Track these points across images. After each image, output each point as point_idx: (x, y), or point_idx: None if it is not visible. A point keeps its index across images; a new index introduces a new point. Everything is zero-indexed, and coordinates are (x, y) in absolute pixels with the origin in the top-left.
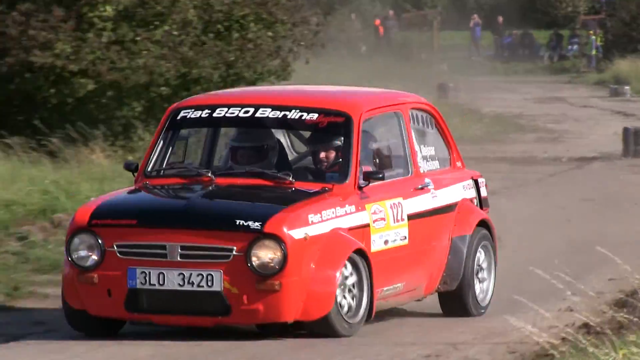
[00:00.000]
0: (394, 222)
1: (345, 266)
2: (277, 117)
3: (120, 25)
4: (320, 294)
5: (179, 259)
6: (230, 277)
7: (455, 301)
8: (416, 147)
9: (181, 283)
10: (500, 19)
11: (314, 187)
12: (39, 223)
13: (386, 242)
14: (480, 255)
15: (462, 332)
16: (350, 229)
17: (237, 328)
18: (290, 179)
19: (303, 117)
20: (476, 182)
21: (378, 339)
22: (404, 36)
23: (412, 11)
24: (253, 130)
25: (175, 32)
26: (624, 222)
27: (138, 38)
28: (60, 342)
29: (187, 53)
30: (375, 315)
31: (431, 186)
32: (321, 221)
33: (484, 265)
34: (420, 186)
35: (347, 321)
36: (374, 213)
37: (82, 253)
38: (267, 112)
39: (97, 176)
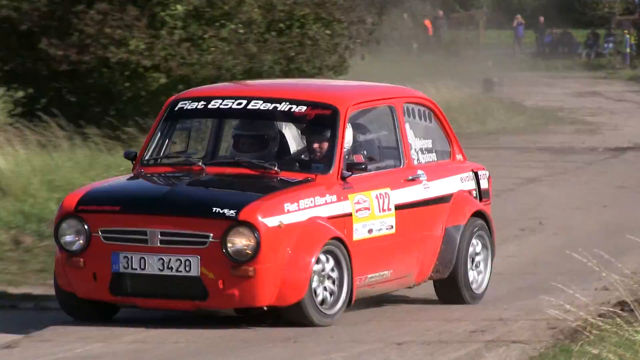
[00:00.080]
0: (380, 212)
1: (324, 255)
2: (267, 109)
3: (190, 24)
4: (294, 280)
5: (159, 244)
6: (207, 263)
7: (450, 289)
8: (410, 140)
9: (161, 268)
10: (542, 19)
11: (298, 176)
12: None
13: (370, 231)
14: (476, 246)
15: (505, 310)
16: (330, 217)
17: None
18: (276, 168)
19: (292, 110)
20: (476, 175)
21: (427, 316)
22: (452, 34)
23: (460, 11)
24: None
25: (240, 30)
26: None
27: (206, 36)
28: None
29: (252, 49)
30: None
31: (423, 177)
32: (298, 210)
33: (480, 255)
34: (410, 177)
35: (321, 309)
36: (357, 203)
37: (69, 238)
38: (259, 105)
39: None
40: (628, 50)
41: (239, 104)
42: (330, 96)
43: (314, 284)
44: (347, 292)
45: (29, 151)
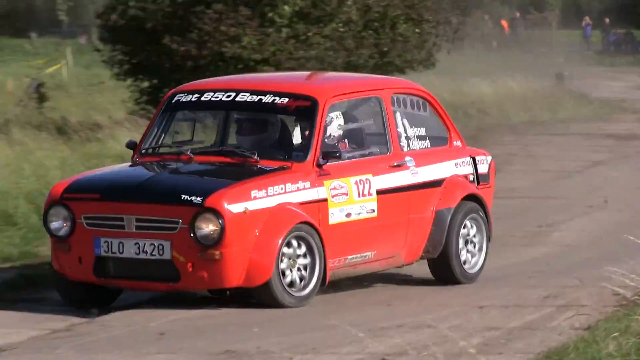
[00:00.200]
0: (359, 197)
1: (295, 239)
2: (253, 101)
3: (296, 23)
4: (261, 262)
5: (134, 230)
6: (178, 247)
7: (442, 268)
8: (399, 128)
9: (137, 252)
10: (607, 20)
11: (275, 164)
12: None
13: (349, 214)
14: (470, 228)
15: (574, 278)
16: (303, 203)
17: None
18: (256, 157)
19: (275, 101)
20: (474, 160)
21: (505, 283)
22: (528, 34)
23: (535, 13)
24: None
25: (341, 29)
26: None
27: (310, 33)
28: None
29: (350, 45)
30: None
31: (411, 164)
32: (266, 196)
33: (475, 237)
34: (396, 164)
35: (290, 291)
36: (334, 189)
37: (56, 224)
38: (246, 97)
39: None
40: None
41: (228, 96)
42: (311, 88)
43: (283, 266)
44: (319, 273)
45: None
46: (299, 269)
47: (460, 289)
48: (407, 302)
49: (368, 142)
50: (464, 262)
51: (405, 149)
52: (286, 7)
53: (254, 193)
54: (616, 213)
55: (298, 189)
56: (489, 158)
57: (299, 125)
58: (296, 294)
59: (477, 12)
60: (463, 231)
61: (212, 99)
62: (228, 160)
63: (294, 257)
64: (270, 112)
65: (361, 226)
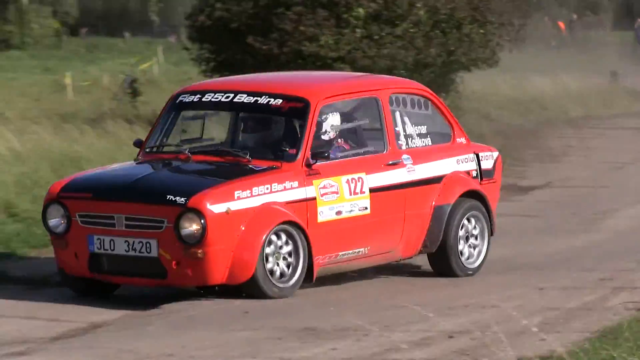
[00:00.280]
0: (351, 195)
1: (279, 236)
2: (249, 102)
3: (369, 24)
4: (243, 261)
5: (124, 228)
6: (164, 245)
7: (441, 262)
8: (398, 127)
9: (127, 249)
10: None
11: (265, 164)
12: None
13: (339, 212)
14: (470, 223)
15: (628, 261)
16: (289, 202)
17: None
18: (247, 157)
19: (269, 102)
20: (477, 156)
21: (562, 266)
22: (584, 34)
23: (591, 15)
24: None
25: (411, 29)
26: None
27: (383, 33)
28: None
29: (419, 44)
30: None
31: (409, 161)
32: (250, 196)
33: (475, 232)
34: (391, 162)
35: (276, 285)
36: (324, 187)
37: (53, 221)
38: (243, 98)
39: None
40: None
41: (227, 97)
42: (303, 90)
43: (270, 264)
44: (303, 269)
45: None
46: (280, 263)
47: (521, 272)
48: (471, 284)
49: (364, 142)
50: (467, 257)
51: (403, 147)
52: (361, 10)
53: (237, 193)
54: None
55: (285, 189)
56: (495, 154)
57: (292, 126)
58: (283, 285)
59: (537, 14)
60: (464, 226)
61: (212, 99)
62: (222, 159)
63: (278, 254)
64: (266, 113)
65: (353, 223)
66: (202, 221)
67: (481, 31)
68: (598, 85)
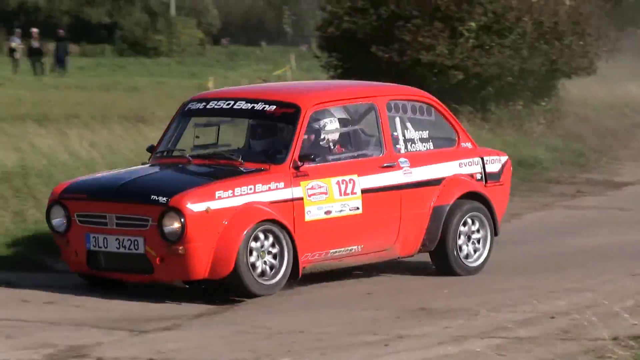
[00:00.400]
0: (341, 195)
1: (263, 233)
2: (247, 108)
3: (481, 35)
4: (223, 257)
5: (115, 226)
6: (150, 242)
7: (440, 260)
8: (396, 132)
9: (118, 246)
10: None
11: (255, 166)
12: None
13: (328, 212)
14: (471, 223)
15: None
16: (274, 202)
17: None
18: (240, 159)
19: (264, 108)
20: (482, 160)
21: (611, 264)
22: None
23: None
24: None
25: (518, 40)
26: None
27: (492, 44)
28: None
29: (525, 54)
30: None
31: (406, 164)
32: (232, 196)
33: (477, 231)
34: (386, 164)
35: (258, 280)
36: (312, 188)
37: (56, 221)
38: (242, 105)
39: None
40: None
41: (228, 104)
42: (295, 97)
43: (252, 260)
44: (287, 266)
45: None
46: (265, 262)
47: (616, 259)
48: (571, 270)
49: (361, 145)
50: (466, 256)
51: (402, 151)
52: (473, 23)
53: (218, 193)
54: None
55: (270, 189)
56: (504, 158)
57: (284, 130)
58: (266, 282)
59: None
60: (463, 227)
61: (215, 106)
62: (217, 162)
63: (262, 252)
64: (261, 118)
65: (344, 222)
66: (182, 219)
67: (581, 42)
68: None
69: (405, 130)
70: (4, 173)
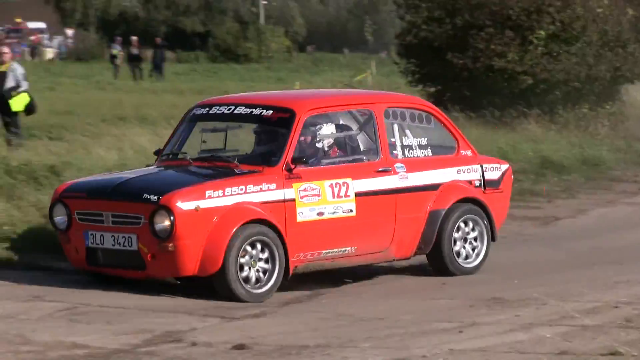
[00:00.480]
0: (334, 198)
1: (257, 232)
2: (246, 113)
3: (549, 43)
4: (212, 254)
5: (111, 224)
6: (142, 239)
7: (437, 262)
8: (393, 138)
9: (113, 243)
10: None
11: (250, 168)
12: None
13: (321, 213)
14: (467, 227)
15: None
16: (265, 202)
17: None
18: (236, 162)
19: (262, 113)
20: (482, 167)
21: None
22: None
23: None
24: None
25: (584, 48)
26: None
27: (560, 51)
28: None
29: (590, 61)
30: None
31: (402, 169)
32: (222, 196)
33: (473, 235)
34: (381, 169)
35: (244, 285)
36: (304, 190)
37: (58, 218)
38: (241, 110)
39: (532, 138)
40: None
41: (229, 109)
42: (291, 102)
43: (242, 261)
44: (280, 264)
45: None
46: (258, 271)
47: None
48: (633, 262)
49: (356, 150)
50: (465, 257)
51: (399, 157)
52: (542, 32)
53: (208, 193)
54: None
55: (261, 190)
56: (504, 166)
57: (279, 134)
58: (253, 291)
59: None
60: (458, 230)
61: (217, 111)
62: (214, 164)
63: (252, 262)
64: (259, 123)
65: (337, 224)
66: (172, 217)
67: None
68: None
69: (404, 137)
70: (106, 169)
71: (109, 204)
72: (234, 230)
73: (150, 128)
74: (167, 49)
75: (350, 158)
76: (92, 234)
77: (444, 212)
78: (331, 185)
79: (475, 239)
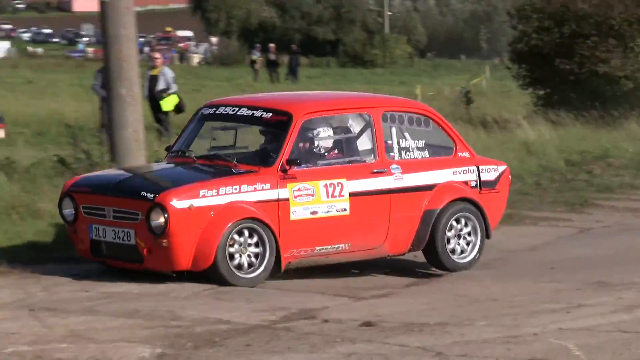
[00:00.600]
0: (328, 197)
1: (247, 230)
2: (248, 115)
3: None
4: (204, 250)
5: (112, 218)
6: (139, 234)
7: (432, 257)
8: (390, 141)
9: (114, 237)
10: None
11: (247, 168)
12: (598, 163)
13: (314, 212)
14: (458, 224)
15: None
16: (259, 202)
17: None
18: (234, 161)
19: (262, 115)
20: (478, 169)
21: None
22: None
23: None
24: None
25: None
26: None
27: None
28: None
29: None
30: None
31: (397, 171)
32: (216, 195)
33: (466, 230)
34: (376, 170)
35: (236, 273)
36: (298, 190)
37: (66, 211)
38: (244, 111)
39: (633, 137)
40: None
41: (233, 110)
42: (289, 105)
43: (232, 250)
44: (269, 260)
45: (547, 128)
46: (249, 256)
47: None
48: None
49: (352, 152)
50: (460, 253)
51: (395, 158)
52: None
53: (202, 192)
54: None
55: (255, 190)
56: (502, 168)
57: (277, 136)
58: (245, 275)
59: None
60: (453, 228)
61: (222, 112)
62: (215, 163)
63: (244, 245)
64: (259, 124)
65: (330, 222)
66: (166, 215)
67: None
68: None
69: (401, 140)
70: None
71: (110, 200)
72: (226, 228)
73: None
74: (302, 55)
75: (347, 159)
76: (95, 227)
77: (437, 212)
78: (325, 186)
79: (469, 234)
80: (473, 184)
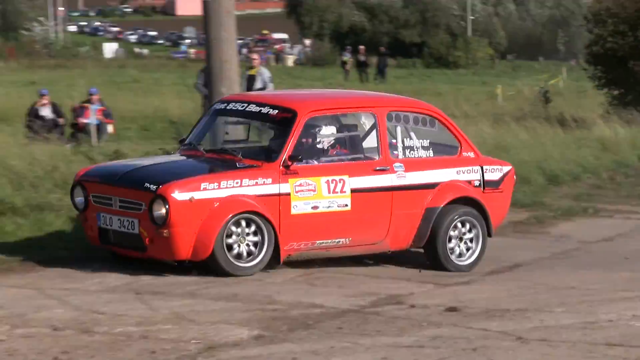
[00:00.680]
0: (329, 193)
1: (246, 223)
2: (256, 111)
3: None
4: (204, 241)
5: (118, 208)
6: (143, 224)
7: (431, 257)
8: (395, 140)
9: (119, 226)
10: None
11: (251, 163)
12: None
13: (315, 207)
14: (463, 224)
15: None
16: (260, 196)
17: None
18: (239, 155)
19: (268, 112)
20: (482, 168)
21: None
22: None
23: None
24: None
25: None
26: None
27: None
28: None
29: None
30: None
31: (400, 169)
32: (217, 188)
33: (470, 232)
34: (379, 168)
35: (234, 262)
36: (300, 185)
37: (77, 199)
38: (252, 108)
39: None
40: None
41: (242, 106)
42: (295, 103)
43: (230, 241)
44: (267, 252)
45: (621, 126)
46: (247, 245)
47: None
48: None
49: (356, 150)
50: (459, 254)
51: (399, 157)
52: None
53: (203, 185)
54: None
55: (257, 184)
56: (506, 168)
57: (282, 132)
58: (243, 265)
59: None
60: (456, 228)
61: (232, 108)
62: (222, 157)
63: (242, 235)
64: (265, 120)
65: (331, 217)
66: (167, 206)
67: None
68: None
69: (406, 138)
70: None
71: (117, 190)
72: (225, 220)
73: None
74: (389, 56)
75: (350, 157)
76: (103, 216)
77: (439, 210)
78: (327, 182)
79: (471, 240)
80: (476, 183)
